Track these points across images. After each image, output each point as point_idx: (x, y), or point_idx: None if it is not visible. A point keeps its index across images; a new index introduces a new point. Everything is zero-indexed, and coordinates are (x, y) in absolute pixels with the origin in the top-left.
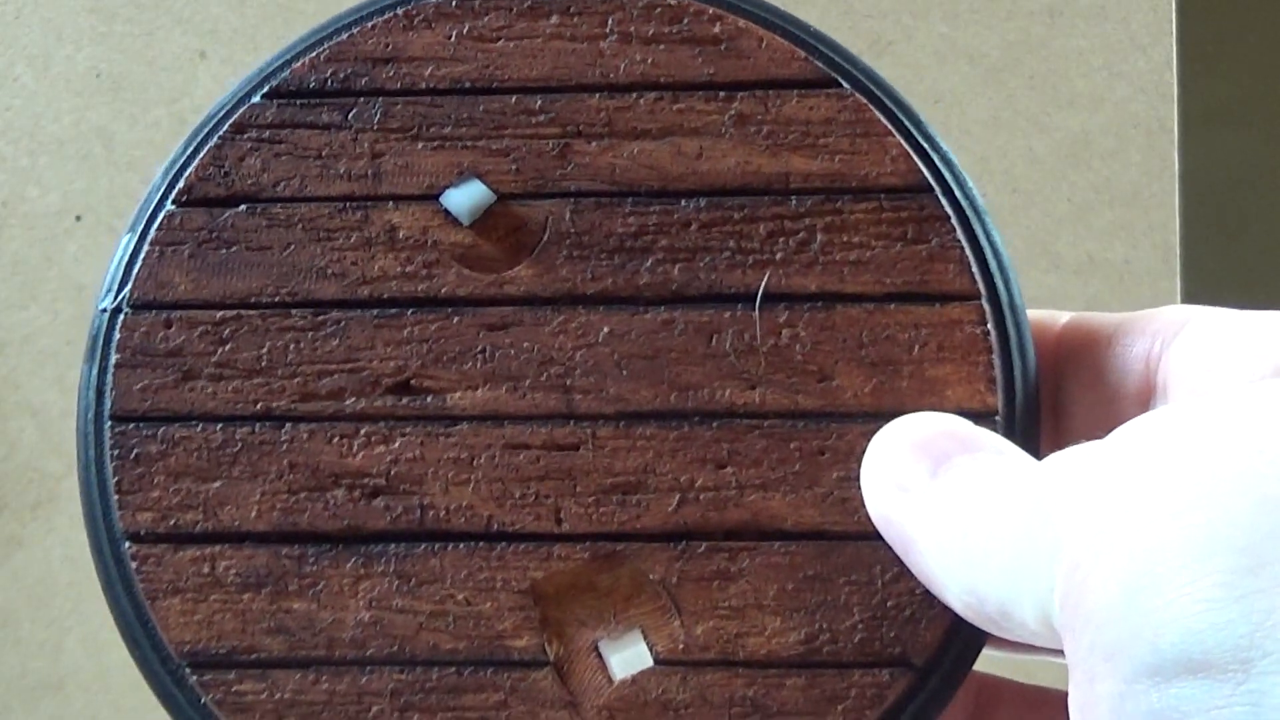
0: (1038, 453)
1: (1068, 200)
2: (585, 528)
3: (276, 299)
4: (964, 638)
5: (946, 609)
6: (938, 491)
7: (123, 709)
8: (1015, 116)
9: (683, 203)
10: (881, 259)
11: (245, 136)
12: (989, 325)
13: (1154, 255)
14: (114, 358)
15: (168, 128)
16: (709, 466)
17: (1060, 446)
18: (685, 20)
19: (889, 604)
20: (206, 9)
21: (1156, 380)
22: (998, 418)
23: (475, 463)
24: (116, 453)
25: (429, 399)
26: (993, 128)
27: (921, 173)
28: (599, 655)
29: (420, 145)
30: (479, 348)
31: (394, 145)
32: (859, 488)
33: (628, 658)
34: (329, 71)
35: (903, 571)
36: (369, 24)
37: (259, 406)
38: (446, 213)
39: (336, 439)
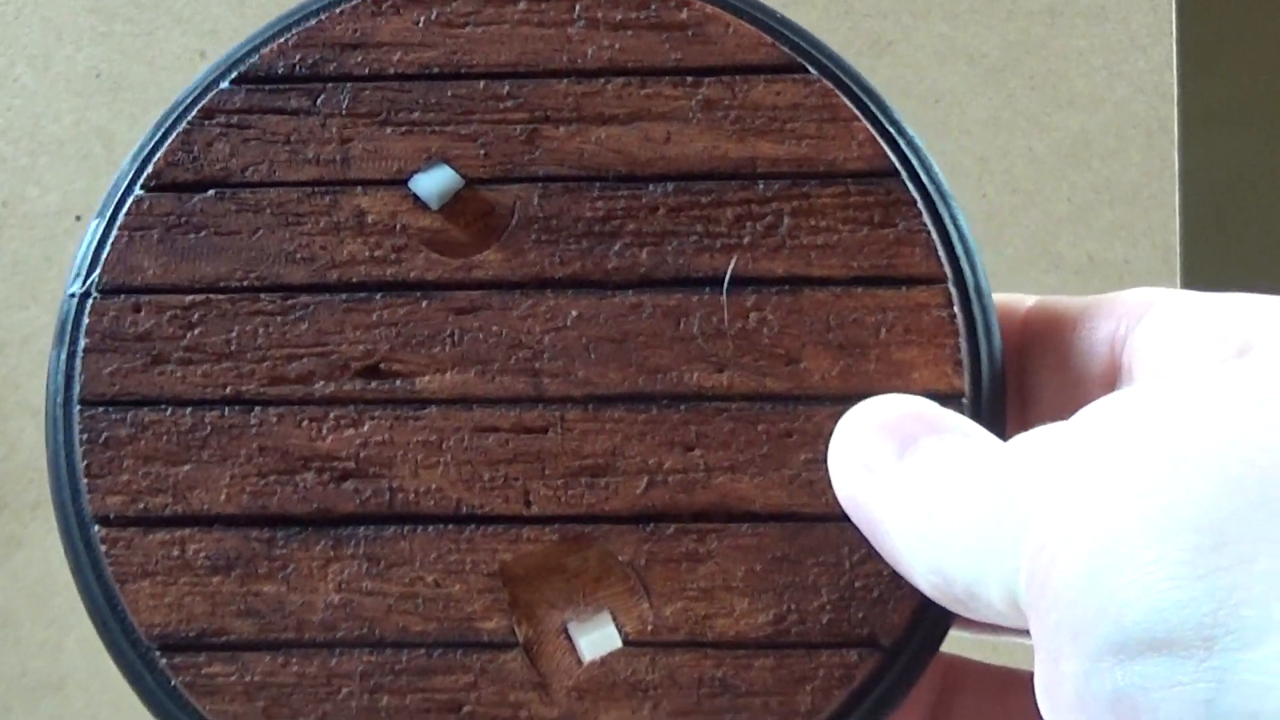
0: (1004, 435)
1: (1068, 200)
2: (554, 510)
3: (245, 283)
4: (931, 618)
5: (914, 590)
6: (904, 473)
7: (123, 709)
8: (1015, 116)
9: (650, 187)
10: (848, 243)
11: (214, 122)
12: (955, 308)
13: (1154, 255)
14: (83, 342)
15: None
16: (677, 449)
17: (1026, 428)
18: (653, 6)
19: (857, 585)
20: (206, 9)
21: (1121, 362)
22: (964, 400)
23: (444, 446)
24: (85, 437)
25: (398, 383)
26: (993, 128)
27: (888, 157)
28: (568, 637)
29: (389, 130)
30: (448, 331)
31: (362, 130)
32: (826, 469)
33: (596, 639)
34: (297, 57)
35: (870, 553)
36: (337, 10)
37: (228, 390)
38: (415, 197)
39: (306, 422)
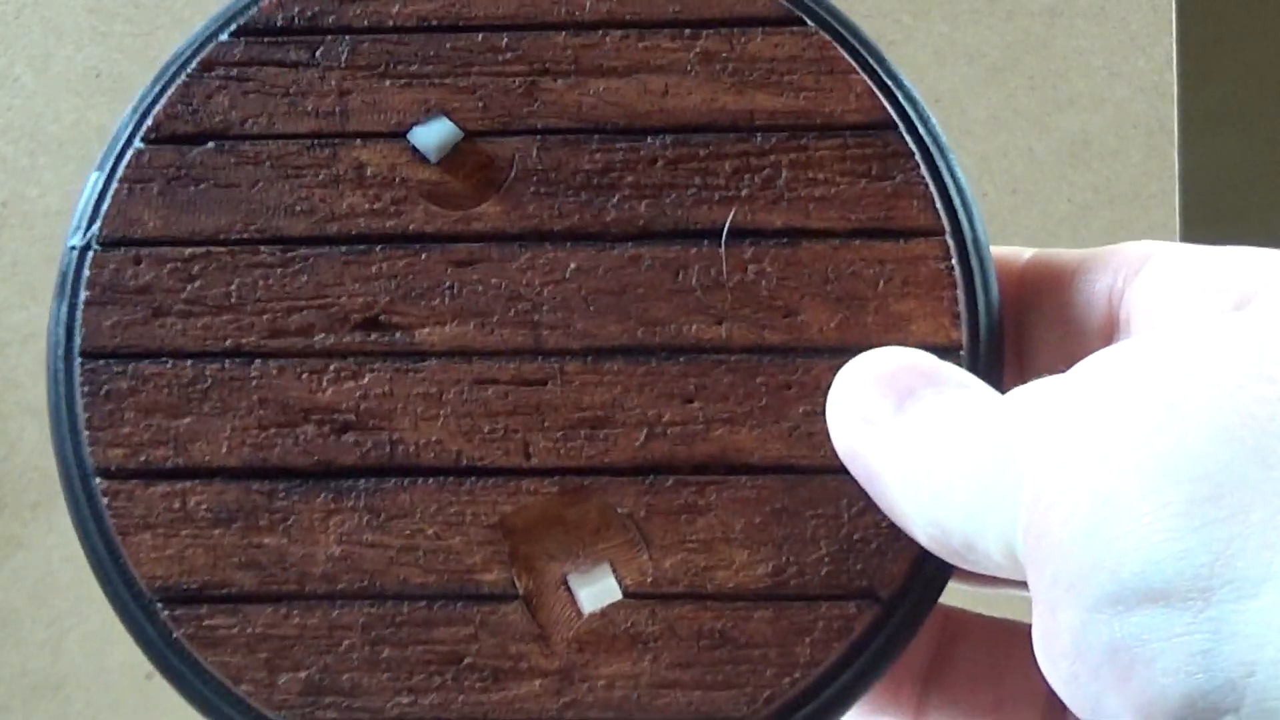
0: (1001, 387)
1: (1068, 200)
2: (554, 462)
3: (245, 236)
4: (930, 570)
5: (912, 542)
6: (903, 425)
7: (122, 709)
8: (1015, 116)
9: (649, 139)
10: (846, 195)
11: (213, 74)
12: (953, 261)
13: None
14: (83, 295)
15: None
16: (676, 401)
17: (1024, 381)
18: None
19: (855, 537)
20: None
21: (1119, 315)
22: (962, 352)
23: (444, 398)
24: (86, 389)
25: (398, 335)
26: (993, 128)
27: (885, 109)
28: (568, 589)
29: (388, 83)
30: (447, 284)
31: (361, 83)
32: (825, 422)
33: (596, 591)
34: (296, 9)
35: (869, 505)
36: None
37: (229, 343)
38: (414, 150)
39: (306, 375)
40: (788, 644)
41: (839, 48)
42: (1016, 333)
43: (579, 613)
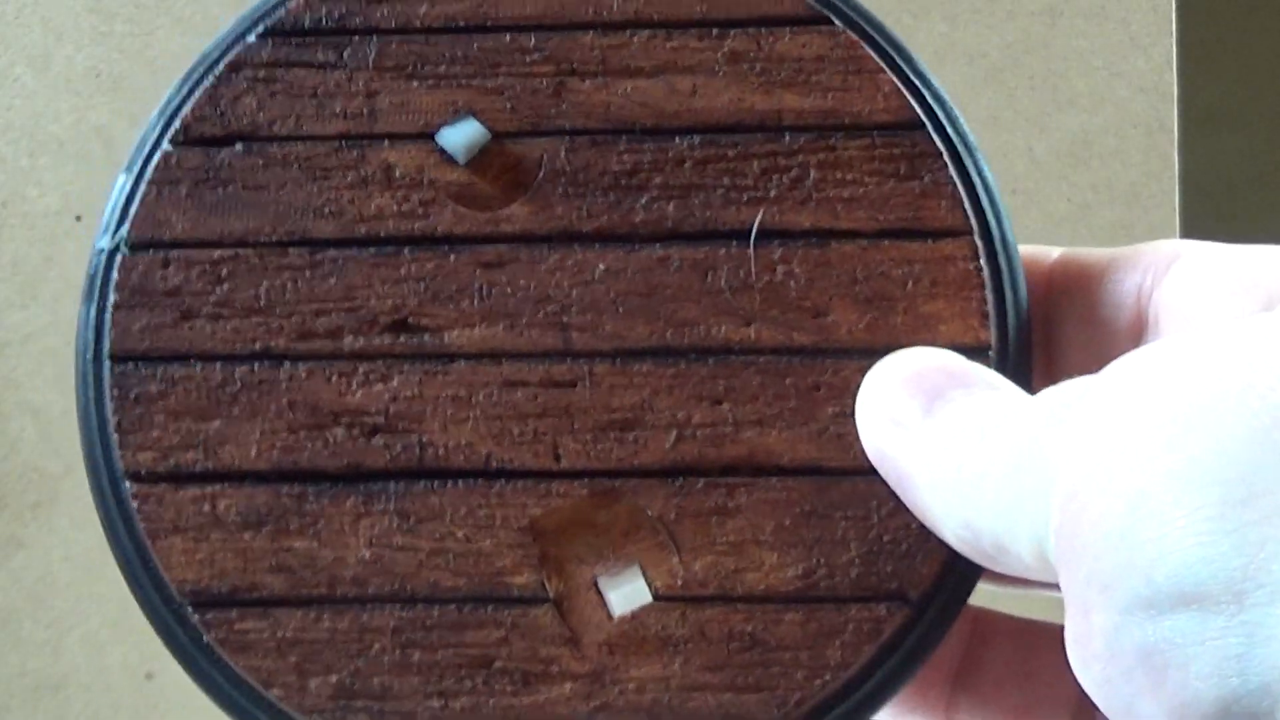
0: (1030, 387)
1: (1068, 200)
2: (583, 464)
3: (274, 238)
4: (959, 572)
5: (942, 543)
6: (932, 426)
7: (122, 709)
8: (1015, 116)
9: (677, 140)
10: (874, 195)
11: (241, 76)
12: (981, 261)
13: None
14: (112, 297)
15: None
16: (705, 403)
17: (1052, 381)
18: None
19: (885, 539)
20: (206, 9)
21: (1148, 314)
22: (991, 353)
23: (473, 400)
24: (116, 393)
25: (426, 337)
26: (993, 128)
27: (913, 109)
28: (598, 591)
29: (415, 84)
30: (476, 285)
31: (389, 84)
32: (854, 423)
33: (627, 594)
34: (324, 10)
35: (898, 506)
36: None
37: (257, 345)
38: (442, 151)
39: (335, 377)
40: (818, 646)
41: (867, 47)
42: (1044, 332)
43: (609, 615)
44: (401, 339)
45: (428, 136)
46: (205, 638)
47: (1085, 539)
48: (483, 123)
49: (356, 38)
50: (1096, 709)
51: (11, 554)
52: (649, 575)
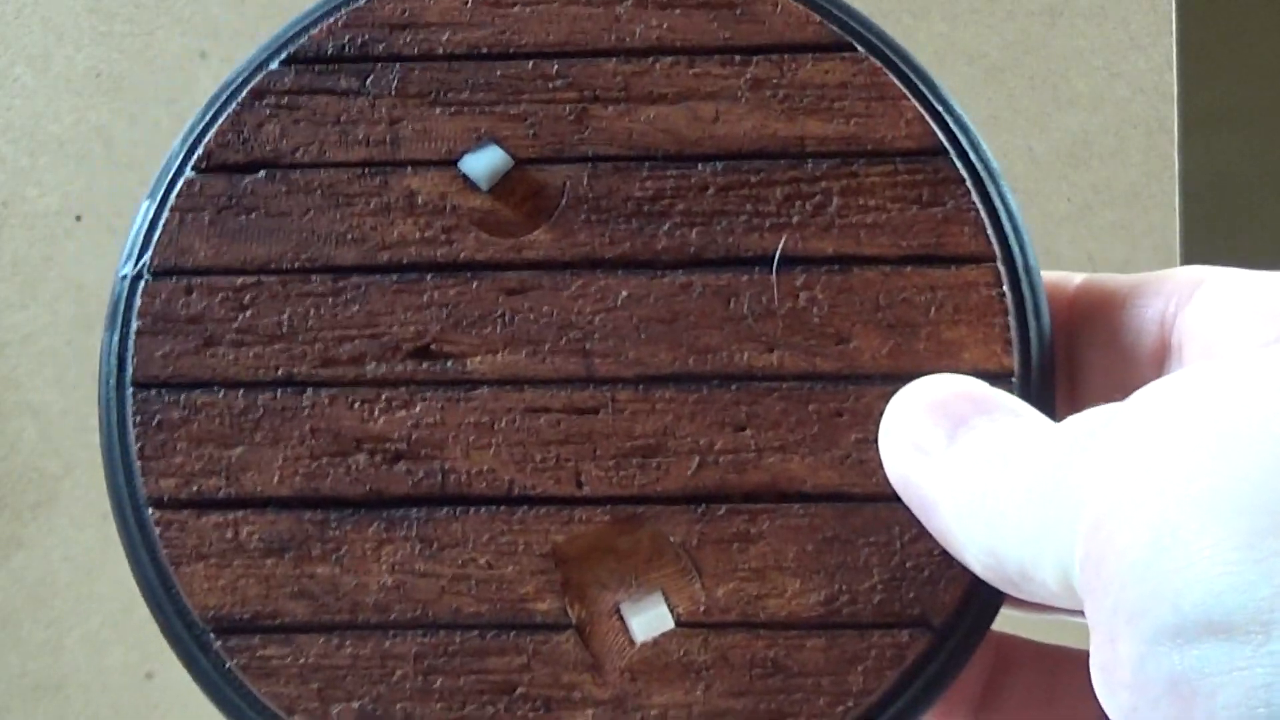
0: (1053, 414)
1: (1068, 200)
2: (606, 490)
3: (296, 265)
4: (982, 598)
5: (965, 570)
6: (956, 453)
7: (122, 709)
8: (1015, 116)
9: (699, 166)
10: (897, 222)
11: (264, 103)
12: (1004, 287)
13: (1154, 255)
14: (135, 324)
15: (168, 128)
16: (728, 429)
17: (1075, 408)
18: None
19: (908, 565)
20: (206, 9)
21: (1171, 341)
22: (1013, 379)
23: (496, 426)
24: (139, 419)
25: (449, 363)
26: (993, 128)
27: (936, 136)
28: (620, 618)
29: (438, 111)
30: (498, 312)
31: (412, 111)
32: (877, 449)
33: (649, 620)
34: (347, 37)
35: (921, 533)
36: None
37: (280, 372)
38: (465, 178)
39: (358, 404)
40: (840, 672)
41: (889, 73)
42: (1067, 359)
43: (631, 642)
44: (424, 365)
45: (450, 163)
46: (228, 664)
47: (1111, 568)
48: (505, 149)
49: (379, 65)
50: None
51: (11, 554)
52: (671, 601)
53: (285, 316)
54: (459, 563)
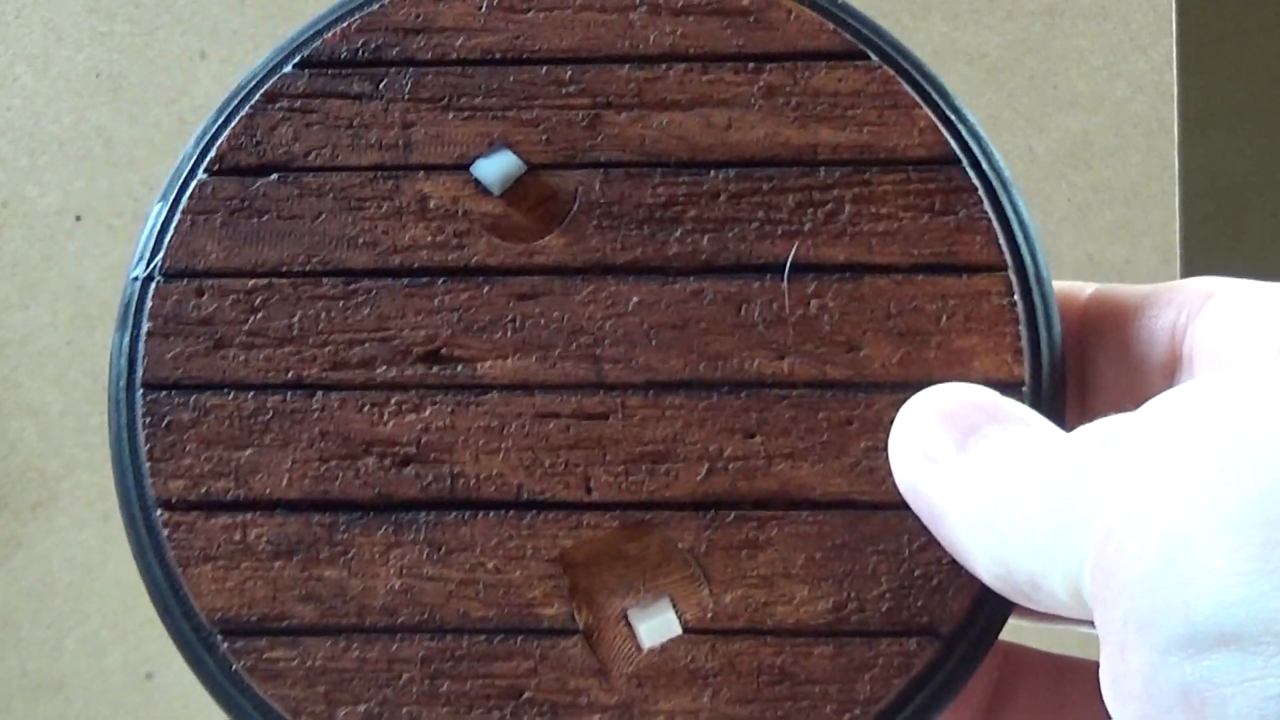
0: (1063, 424)
1: (1068, 200)
2: (615, 496)
3: (308, 268)
4: (991, 607)
5: (973, 578)
6: (966, 462)
7: (122, 709)
8: (1015, 116)
9: (712, 173)
10: (909, 230)
11: (277, 106)
12: (1015, 296)
13: (1154, 255)
14: (146, 326)
15: (168, 128)
16: (737, 436)
17: (1085, 418)
18: None
19: (916, 573)
20: (206, 9)
21: (1182, 352)
22: (1024, 388)
23: (505, 431)
24: (148, 420)
25: (459, 368)
26: (993, 128)
27: (949, 144)
28: (628, 623)
29: (451, 115)
30: (509, 317)
31: (425, 115)
32: (887, 458)
33: (656, 626)
34: (360, 41)
35: (930, 541)
36: None
37: (290, 375)
38: (477, 183)
39: (367, 407)
40: (848, 680)
41: (902, 82)
42: (1078, 368)
43: (639, 648)
44: (434, 369)
45: (463, 168)
46: (234, 666)
47: (1122, 578)
48: (518, 154)
49: (393, 69)
50: None
51: (11, 554)
52: (679, 608)
53: (296, 319)
54: (467, 567)
